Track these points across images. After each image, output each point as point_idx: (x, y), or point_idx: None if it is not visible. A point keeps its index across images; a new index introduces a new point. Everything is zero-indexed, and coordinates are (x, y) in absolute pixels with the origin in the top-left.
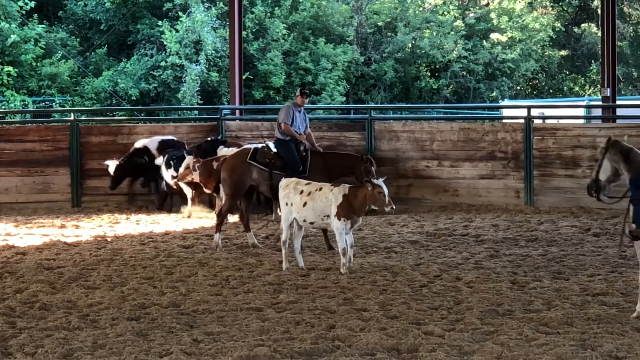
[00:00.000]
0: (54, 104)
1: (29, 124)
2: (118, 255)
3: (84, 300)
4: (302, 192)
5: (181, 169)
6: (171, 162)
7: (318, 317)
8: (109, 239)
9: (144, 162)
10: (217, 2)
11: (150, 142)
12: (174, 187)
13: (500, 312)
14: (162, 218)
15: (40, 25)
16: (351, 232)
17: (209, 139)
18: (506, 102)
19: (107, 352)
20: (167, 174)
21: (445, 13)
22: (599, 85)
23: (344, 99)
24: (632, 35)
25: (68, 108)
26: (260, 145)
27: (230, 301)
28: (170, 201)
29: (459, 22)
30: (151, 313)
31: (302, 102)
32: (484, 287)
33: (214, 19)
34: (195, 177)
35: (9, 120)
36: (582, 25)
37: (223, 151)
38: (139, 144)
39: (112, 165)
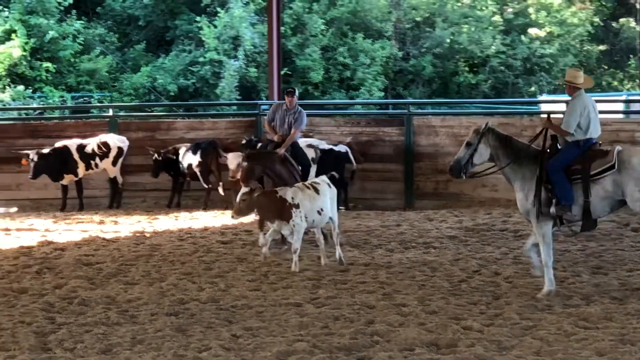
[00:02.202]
0: (92, 99)
1: (68, 120)
2: (157, 250)
3: (123, 295)
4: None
5: (231, 167)
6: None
7: (357, 312)
8: (147, 235)
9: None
10: None
11: (71, 143)
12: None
13: (539, 307)
14: (201, 214)
15: (78, 21)
16: (321, 237)
17: (243, 142)
18: (545, 97)
19: (146, 347)
20: (186, 162)
21: (484, 8)
22: (637, 80)
23: (383, 94)
24: None
25: (107, 104)
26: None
27: (269, 296)
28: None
29: (497, 17)
30: (190, 308)
31: (290, 102)
32: (523, 282)
33: (252, 14)
34: None
35: (48, 116)
36: (621, 20)
37: None
38: (59, 144)
39: (32, 154)
